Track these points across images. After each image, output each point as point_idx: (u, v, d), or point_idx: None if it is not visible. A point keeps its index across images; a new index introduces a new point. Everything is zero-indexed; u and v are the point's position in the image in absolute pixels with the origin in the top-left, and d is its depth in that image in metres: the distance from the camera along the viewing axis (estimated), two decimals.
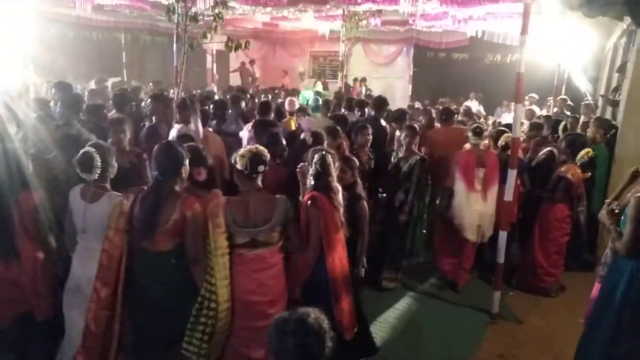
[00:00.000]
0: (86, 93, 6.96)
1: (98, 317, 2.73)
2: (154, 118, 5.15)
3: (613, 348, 2.80)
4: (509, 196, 4.15)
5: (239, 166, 2.81)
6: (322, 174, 3.03)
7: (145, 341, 2.82)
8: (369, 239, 3.54)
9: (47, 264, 3.00)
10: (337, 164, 3.20)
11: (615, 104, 6.27)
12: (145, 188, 2.79)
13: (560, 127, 5.48)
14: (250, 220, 2.80)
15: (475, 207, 4.61)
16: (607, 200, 3.29)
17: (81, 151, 2.82)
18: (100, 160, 2.78)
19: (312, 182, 3.05)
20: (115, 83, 9.35)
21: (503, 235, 4.21)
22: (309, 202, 2.99)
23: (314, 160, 3.05)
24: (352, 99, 7.69)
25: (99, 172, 2.79)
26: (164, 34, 11.97)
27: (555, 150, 5.17)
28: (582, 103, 7.72)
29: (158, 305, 2.73)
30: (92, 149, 2.80)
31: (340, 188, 3.14)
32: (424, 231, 5.00)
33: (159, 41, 12.75)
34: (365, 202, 3.55)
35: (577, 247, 5.04)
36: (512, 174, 4.09)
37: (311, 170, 3.06)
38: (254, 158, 2.80)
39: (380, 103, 5.99)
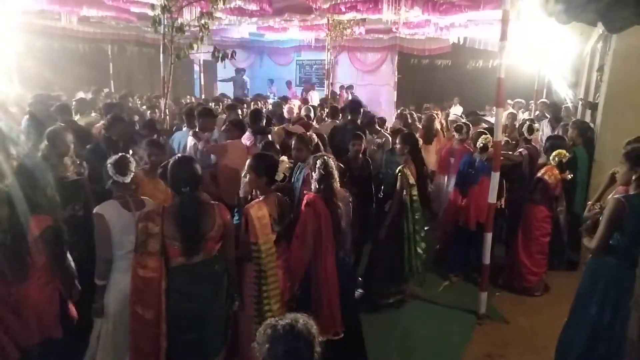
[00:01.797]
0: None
1: (148, 338, 2.74)
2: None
3: (593, 344, 2.89)
4: (492, 198, 4.25)
5: (277, 177, 3.21)
6: (325, 178, 3.22)
7: (185, 357, 2.81)
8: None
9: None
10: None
11: (593, 107, 6.44)
12: (170, 205, 2.81)
13: (524, 128, 5.52)
14: (278, 218, 3.11)
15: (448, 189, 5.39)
16: (589, 203, 3.40)
17: (118, 155, 2.99)
18: (134, 165, 2.96)
19: (316, 186, 3.25)
20: (106, 94, 9.35)
21: (488, 236, 4.30)
22: (306, 203, 3.17)
23: (317, 165, 3.24)
24: (334, 106, 7.74)
25: (132, 175, 2.93)
26: (151, 44, 11.98)
27: (525, 152, 5.32)
28: (563, 106, 7.91)
29: (201, 318, 2.78)
30: (127, 155, 2.98)
31: (345, 192, 3.43)
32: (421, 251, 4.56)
33: (146, 52, 12.75)
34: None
35: (559, 246, 5.16)
36: (495, 176, 4.19)
37: (315, 175, 3.24)
38: (271, 168, 3.16)
39: (355, 106, 6.07)
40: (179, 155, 3.20)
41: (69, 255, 2.95)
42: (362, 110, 6.32)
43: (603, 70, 6.24)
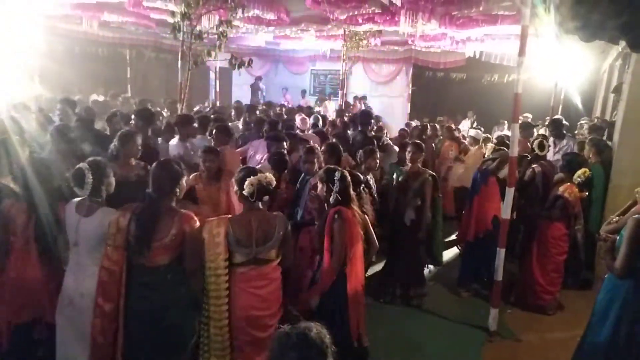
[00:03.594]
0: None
1: (105, 331, 2.79)
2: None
3: None
4: (506, 214, 4.20)
5: (245, 192, 2.86)
6: (345, 190, 3.21)
7: (139, 354, 2.83)
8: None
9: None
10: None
11: (610, 125, 6.38)
12: (139, 205, 2.83)
13: (535, 144, 5.51)
14: (252, 239, 2.85)
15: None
16: (612, 216, 3.35)
17: (76, 167, 2.90)
18: (91, 177, 2.82)
19: (337, 197, 3.21)
20: (125, 98, 9.47)
21: (501, 252, 4.25)
22: (335, 215, 3.13)
23: (335, 178, 3.20)
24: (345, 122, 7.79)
25: (90, 187, 2.83)
26: (168, 50, 12.15)
27: (538, 169, 5.29)
28: (579, 123, 7.84)
29: (153, 320, 2.75)
30: (85, 166, 2.85)
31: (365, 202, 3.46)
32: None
33: (163, 57, 12.92)
34: (367, 217, 3.63)
35: (575, 265, 5.08)
36: (510, 191, 4.15)
37: (335, 186, 3.20)
38: (261, 189, 2.88)
39: (365, 117, 6.09)
40: (164, 159, 3.18)
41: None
42: (372, 121, 6.33)
43: (618, 90, 6.19)
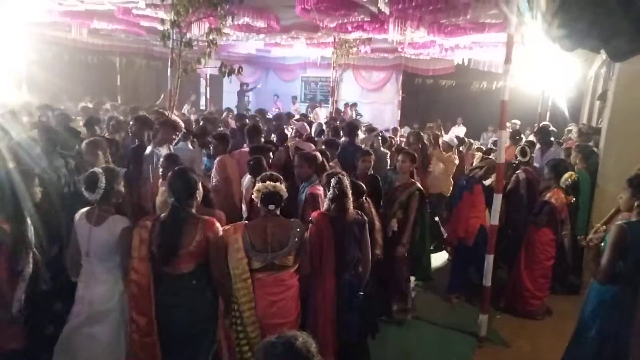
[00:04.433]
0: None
1: (145, 345, 2.78)
2: (136, 140, 5.01)
3: None
4: (494, 220, 4.24)
5: (254, 197, 2.96)
6: (339, 197, 3.16)
7: None
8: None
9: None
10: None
11: (596, 132, 6.47)
12: (162, 215, 2.85)
13: (517, 151, 5.70)
14: (268, 244, 2.87)
15: None
16: (597, 225, 3.39)
17: (90, 171, 2.90)
18: (104, 182, 2.83)
19: (329, 204, 3.20)
20: (113, 106, 9.41)
21: (490, 258, 4.28)
22: (312, 221, 3.13)
23: (331, 184, 3.18)
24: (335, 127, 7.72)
25: (101, 192, 2.83)
26: (159, 58, 12.14)
27: (522, 175, 5.38)
28: (566, 129, 7.95)
29: (180, 328, 2.79)
30: (99, 170, 2.87)
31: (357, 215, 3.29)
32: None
33: (154, 65, 12.91)
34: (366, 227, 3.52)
35: (562, 270, 5.13)
36: (498, 198, 4.19)
37: (329, 193, 3.19)
38: (267, 197, 2.90)
39: (351, 128, 6.07)
40: (178, 167, 3.15)
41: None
42: (358, 131, 6.31)
43: (603, 98, 6.29)
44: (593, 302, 2.98)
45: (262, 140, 5.57)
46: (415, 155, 4.88)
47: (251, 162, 4.27)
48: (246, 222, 3.08)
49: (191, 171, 2.95)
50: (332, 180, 3.21)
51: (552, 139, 6.93)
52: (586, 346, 2.96)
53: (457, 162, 6.80)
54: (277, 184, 2.93)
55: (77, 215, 2.91)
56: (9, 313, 2.68)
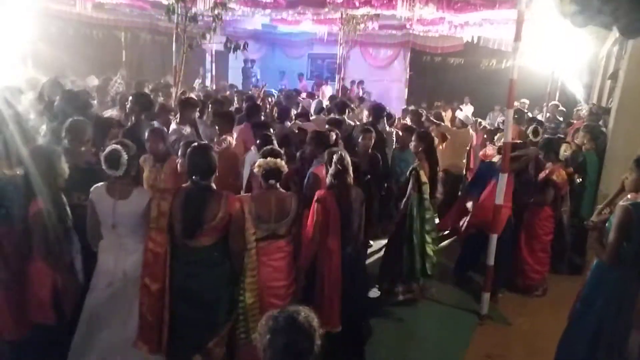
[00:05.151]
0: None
1: (153, 309, 2.91)
2: (133, 117, 4.94)
3: (593, 348, 2.89)
4: (499, 199, 4.23)
5: (255, 171, 3.08)
6: (341, 172, 3.26)
7: (184, 330, 2.96)
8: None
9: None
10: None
11: (606, 112, 6.38)
12: (183, 188, 2.92)
13: (530, 130, 5.61)
14: (272, 215, 3.03)
15: None
16: (599, 207, 3.37)
17: (108, 148, 2.93)
18: (126, 158, 2.89)
19: (331, 180, 3.28)
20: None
21: (493, 238, 4.29)
22: (317, 199, 3.21)
23: (333, 160, 3.27)
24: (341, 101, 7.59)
25: (124, 168, 2.89)
26: (164, 33, 11.99)
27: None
28: (575, 109, 7.84)
29: (199, 296, 2.90)
30: (118, 147, 2.90)
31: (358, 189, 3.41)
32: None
33: (159, 40, 12.76)
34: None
35: (561, 247, 5.17)
36: (503, 177, 4.17)
37: (331, 169, 3.28)
38: (268, 172, 3.03)
39: (378, 112, 5.99)
40: (197, 143, 3.18)
41: (76, 249, 3.05)
42: (385, 115, 6.17)
43: (615, 77, 6.17)
44: (594, 282, 2.99)
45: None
46: (426, 134, 4.81)
47: (260, 139, 4.26)
48: (250, 194, 3.19)
49: (210, 148, 3.02)
50: (334, 157, 3.28)
51: (561, 118, 6.85)
52: (585, 325, 2.98)
53: (472, 139, 6.73)
54: (278, 160, 3.05)
55: (95, 191, 2.96)
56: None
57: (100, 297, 2.98)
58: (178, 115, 4.89)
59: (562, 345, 3.17)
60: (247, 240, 2.99)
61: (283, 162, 3.08)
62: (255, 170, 3.06)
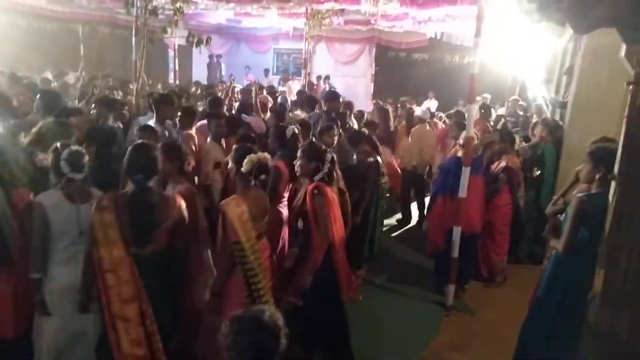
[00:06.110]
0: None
1: (138, 339, 2.54)
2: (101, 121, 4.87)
3: (553, 336, 2.99)
4: (462, 193, 4.30)
5: (243, 169, 2.94)
6: (331, 172, 3.29)
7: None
8: None
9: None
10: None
11: (563, 106, 6.60)
12: (123, 193, 2.71)
13: (499, 125, 5.86)
14: (259, 214, 2.99)
15: None
16: (554, 197, 3.48)
17: (70, 150, 2.71)
18: (86, 159, 2.76)
19: (325, 178, 3.26)
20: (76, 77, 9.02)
21: (457, 230, 4.37)
22: (315, 191, 3.16)
23: (326, 159, 3.26)
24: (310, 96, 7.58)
25: (85, 170, 2.75)
26: (124, 26, 11.60)
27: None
28: (534, 104, 8.08)
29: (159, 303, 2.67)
30: (80, 148, 2.76)
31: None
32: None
33: (119, 34, 12.34)
34: (347, 196, 3.66)
35: (519, 232, 5.41)
36: (465, 172, 4.24)
37: (323, 168, 3.26)
38: (260, 167, 2.97)
39: (332, 97, 5.96)
40: (139, 142, 2.99)
41: None
42: (340, 101, 6.19)
43: (570, 72, 6.39)
44: (553, 271, 3.09)
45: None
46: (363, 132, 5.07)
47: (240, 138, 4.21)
48: (236, 196, 3.04)
49: (153, 146, 2.86)
50: (326, 155, 3.27)
51: (521, 112, 7.04)
52: (545, 312, 3.08)
53: (430, 134, 6.79)
54: (266, 154, 3.06)
55: (47, 199, 2.68)
56: None
57: (60, 311, 2.71)
58: (154, 114, 4.73)
59: (523, 332, 3.26)
60: (253, 241, 2.90)
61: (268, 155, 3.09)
62: (244, 168, 2.93)
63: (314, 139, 4.65)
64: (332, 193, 3.25)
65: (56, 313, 2.73)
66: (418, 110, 7.27)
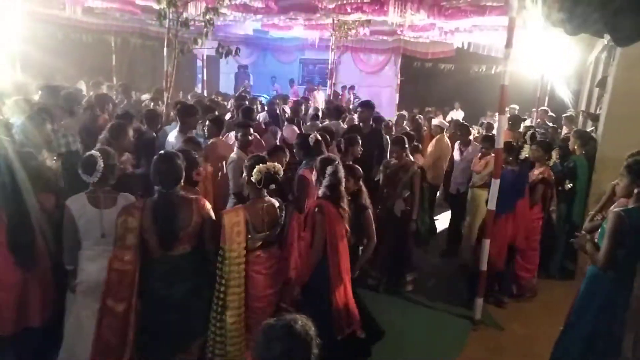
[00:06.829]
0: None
1: (117, 330, 2.80)
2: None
3: (588, 352, 2.90)
4: (492, 205, 4.24)
5: (252, 179, 3.00)
6: (335, 183, 3.19)
7: (157, 344, 2.89)
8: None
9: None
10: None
11: (595, 118, 6.45)
12: (150, 200, 2.85)
13: (527, 136, 5.67)
14: (265, 225, 3.05)
15: None
16: (591, 213, 3.39)
17: (87, 154, 2.92)
18: (102, 165, 2.85)
19: (325, 191, 3.19)
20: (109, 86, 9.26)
21: (486, 243, 4.30)
22: (316, 209, 3.14)
23: (327, 171, 3.18)
24: (337, 106, 7.62)
25: (99, 175, 2.84)
26: (155, 37, 11.95)
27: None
28: (564, 115, 7.92)
29: (176, 306, 2.85)
30: (96, 153, 2.87)
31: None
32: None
33: (149, 45, 12.71)
34: (370, 212, 3.65)
35: (552, 249, 5.27)
36: (495, 183, 4.18)
37: (325, 180, 3.19)
38: (269, 177, 3.01)
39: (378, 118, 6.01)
40: (163, 151, 3.14)
41: None
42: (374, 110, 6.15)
43: (603, 84, 6.25)
44: (589, 287, 3.00)
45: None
46: (405, 139, 5.00)
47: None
48: (241, 205, 3.14)
49: (176, 155, 2.96)
50: (328, 168, 3.19)
51: (551, 123, 6.90)
52: (580, 329, 2.99)
53: (448, 145, 6.68)
54: (276, 164, 3.07)
55: (74, 203, 2.87)
56: None
57: (84, 305, 2.92)
58: (178, 124, 4.83)
59: (557, 350, 3.17)
60: (237, 252, 2.92)
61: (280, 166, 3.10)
62: (253, 177, 2.99)
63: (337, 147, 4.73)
64: (335, 212, 3.13)
65: (79, 306, 2.95)
66: (435, 120, 7.21)
